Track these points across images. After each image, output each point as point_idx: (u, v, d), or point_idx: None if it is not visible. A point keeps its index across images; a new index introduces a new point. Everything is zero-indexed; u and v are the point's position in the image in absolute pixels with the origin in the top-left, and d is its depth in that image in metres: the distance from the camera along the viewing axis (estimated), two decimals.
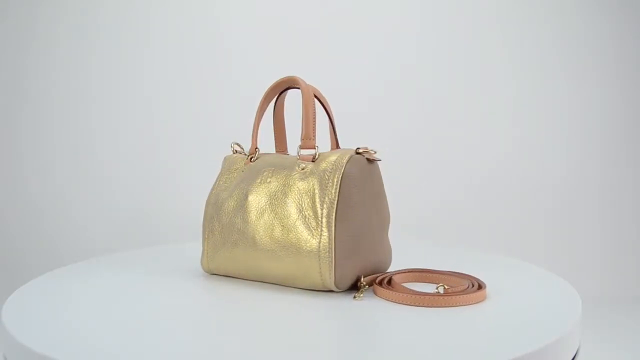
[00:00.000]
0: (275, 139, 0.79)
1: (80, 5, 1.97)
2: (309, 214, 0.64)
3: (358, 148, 0.68)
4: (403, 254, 0.88)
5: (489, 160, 2.02)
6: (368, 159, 0.68)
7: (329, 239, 0.63)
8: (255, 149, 0.75)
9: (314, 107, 0.70)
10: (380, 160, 0.69)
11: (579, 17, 1.99)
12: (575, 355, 0.56)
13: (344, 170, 0.65)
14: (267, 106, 0.78)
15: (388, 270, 0.73)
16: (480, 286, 0.64)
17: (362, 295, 0.64)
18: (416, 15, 2.01)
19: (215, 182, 0.75)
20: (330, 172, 0.65)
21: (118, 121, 1.99)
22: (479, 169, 2.02)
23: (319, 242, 0.63)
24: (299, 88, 0.73)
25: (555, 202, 2.02)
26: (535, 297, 0.64)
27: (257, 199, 0.68)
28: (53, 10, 1.96)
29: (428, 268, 0.74)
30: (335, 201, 0.63)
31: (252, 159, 0.74)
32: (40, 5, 1.95)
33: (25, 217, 1.96)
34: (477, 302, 0.61)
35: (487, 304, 0.62)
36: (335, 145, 0.76)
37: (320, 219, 0.63)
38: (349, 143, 1.88)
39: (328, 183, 0.64)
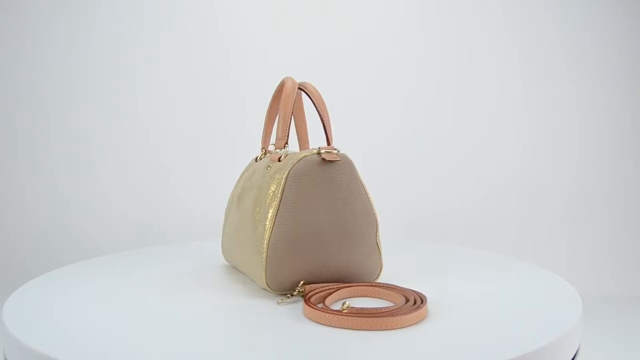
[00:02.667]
0: (298, 139, 0.80)
1: (78, 4, 1.97)
2: (261, 212, 0.65)
3: (320, 148, 0.66)
4: (398, 254, 0.88)
5: (491, 160, 2.02)
6: (324, 159, 0.65)
7: (266, 238, 0.63)
8: (262, 149, 0.78)
9: (291, 108, 0.70)
10: (338, 160, 0.65)
11: (588, 17, 1.99)
12: (575, 355, 0.56)
13: (289, 170, 0.64)
14: (276, 111, 0.79)
15: (378, 281, 0.70)
16: (423, 302, 0.58)
17: (284, 300, 0.63)
18: (422, 14, 2.01)
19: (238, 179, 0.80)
20: (282, 172, 0.65)
21: (119, 120, 1.99)
22: (480, 169, 2.02)
23: (260, 241, 0.64)
24: (302, 89, 0.74)
25: (556, 201, 2.02)
26: (535, 297, 0.64)
27: (242, 197, 0.71)
28: (52, 7, 1.96)
29: (384, 282, 0.67)
30: (278, 201, 0.63)
31: (257, 159, 0.77)
32: (37, 3, 1.95)
33: (25, 217, 1.96)
34: (403, 326, 0.55)
35: (484, 304, 0.62)
36: (327, 144, 0.75)
37: (264, 218, 0.64)
38: (349, 143, 1.88)
39: (278, 183, 0.64)
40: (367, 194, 0.68)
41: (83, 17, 1.97)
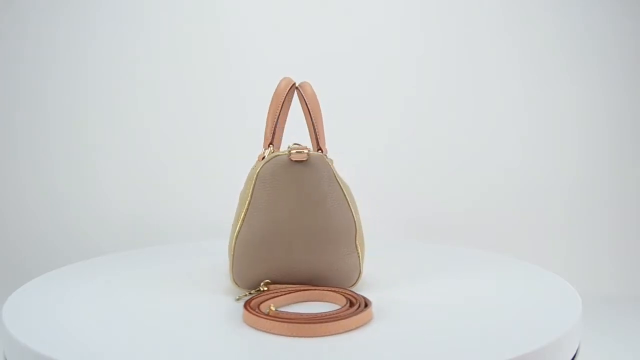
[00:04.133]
0: (310, 138, 0.81)
1: (78, 4, 1.97)
2: (238, 211, 0.67)
3: (291, 148, 0.66)
4: (398, 254, 0.88)
5: (491, 160, 2.02)
6: (291, 160, 0.65)
7: (234, 236, 0.65)
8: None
9: (278, 109, 0.71)
10: (304, 160, 0.64)
11: (588, 17, 1.99)
12: (575, 355, 0.56)
13: (258, 171, 0.65)
14: (285, 110, 0.79)
15: (357, 285, 0.68)
16: (367, 306, 0.56)
17: (241, 298, 0.63)
18: (422, 14, 2.01)
19: None
20: (255, 172, 0.66)
21: (119, 120, 1.99)
22: (480, 169, 2.02)
23: (231, 239, 0.66)
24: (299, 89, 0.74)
25: (556, 201, 2.02)
26: (535, 297, 0.64)
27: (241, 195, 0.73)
28: (52, 7, 1.96)
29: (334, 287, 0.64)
30: (248, 201, 0.65)
31: None
32: (37, 3, 1.95)
33: (25, 217, 1.96)
34: (336, 333, 0.52)
35: (484, 304, 0.62)
36: (317, 146, 0.72)
37: (238, 217, 0.66)
38: (349, 142, 1.88)
39: (250, 183, 0.66)
40: (345, 195, 0.66)
41: (83, 17, 1.97)
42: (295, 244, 0.64)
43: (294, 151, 0.65)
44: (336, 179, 0.66)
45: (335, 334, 0.52)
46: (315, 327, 0.52)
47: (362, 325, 0.55)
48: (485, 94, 2.02)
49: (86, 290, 0.68)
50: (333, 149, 0.93)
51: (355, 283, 0.68)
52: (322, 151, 0.71)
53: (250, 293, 0.63)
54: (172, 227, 1.94)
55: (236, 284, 0.66)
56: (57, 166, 1.98)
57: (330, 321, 0.52)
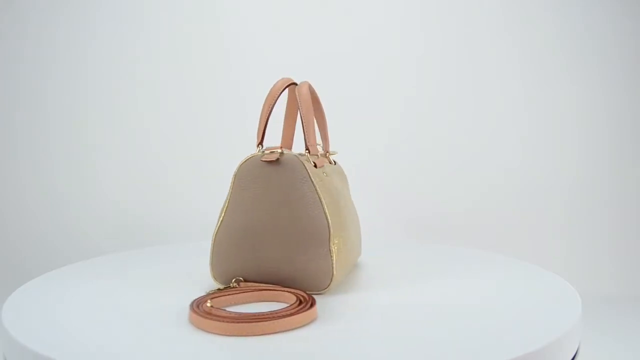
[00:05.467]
0: (321, 139, 0.82)
1: (78, 4, 1.97)
2: (220, 210, 0.69)
3: (267, 148, 0.67)
4: (398, 254, 0.88)
5: (491, 160, 2.02)
6: (261, 160, 0.65)
7: (215, 232, 0.67)
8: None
9: (269, 108, 0.71)
10: (273, 160, 0.64)
11: (588, 17, 1.99)
12: (575, 355, 0.56)
13: (236, 170, 0.67)
14: (291, 114, 0.79)
15: (318, 292, 0.65)
16: (302, 310, 0.55)
17: (208, 293, 0.64)
18: (422, 14, 2.01)
19: None
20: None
21: (119, 120, 1.99)
22: (480, 169, 2.02)
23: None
24: (295, 84, 0.75)
25: (556, 201, 2.02)
26: (535, 297, 0.64)
27: None
28: (52, 7, 1.96)
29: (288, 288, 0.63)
30: (228, 199, 0.67)
31: None
32: (37, 3, 1.95)
33: (25, 217, 1.96)
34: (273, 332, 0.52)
35: (484, 304, 0.62)
36: (305, 147, 0.71)
37: (219, 215, 0.68)
38: (349, 142, 1.88)
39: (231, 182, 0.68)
40: (319, 197, 0.65)
41: (83, 17, 1.97)
42: (267, 244, 0.64)
43: (267, 151, 0.66)
44: (310, 180, 0.65)
45: (273, 332, 0.52)
46: (252, 326, 0.52)
47: (304, 325, 0.54)
48: (485, 94, 2.02)
49: (86, 290, 0.68)
50: (333, 149, 0.93)
51: (327, 287, 0.65)
52: (309, 151, 0.70)
53: (219, 289, 0.64)
54: (172, 227, 1.94)
55: (215, 279, 0.68)
56: (57, 166, 1.98)
57: (266, 320, 0.52)
